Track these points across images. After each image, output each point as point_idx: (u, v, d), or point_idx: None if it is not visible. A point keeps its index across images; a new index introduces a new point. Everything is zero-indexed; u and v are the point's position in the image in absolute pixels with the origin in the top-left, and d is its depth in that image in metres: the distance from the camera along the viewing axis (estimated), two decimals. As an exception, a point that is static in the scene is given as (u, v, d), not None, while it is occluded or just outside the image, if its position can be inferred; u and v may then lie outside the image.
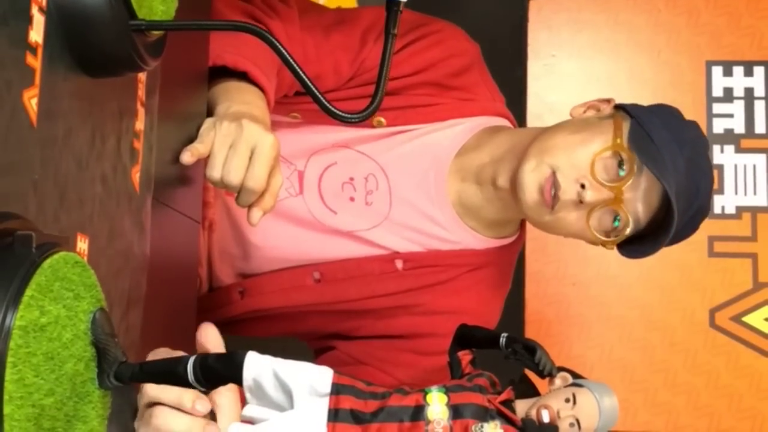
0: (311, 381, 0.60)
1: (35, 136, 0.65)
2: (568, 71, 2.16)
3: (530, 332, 2.13)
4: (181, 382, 0.62)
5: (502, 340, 0.73)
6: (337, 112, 0.67)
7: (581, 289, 2.12)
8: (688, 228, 1.25)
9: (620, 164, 1.20)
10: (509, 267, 1.43)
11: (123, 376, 0.63)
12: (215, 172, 1.03)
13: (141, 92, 0.86)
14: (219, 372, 0.60)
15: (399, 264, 1.34)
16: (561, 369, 0.78)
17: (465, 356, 0.76)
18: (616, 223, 1.21)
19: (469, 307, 1.37)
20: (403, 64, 1.34)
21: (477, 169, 1.32)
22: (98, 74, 0.74)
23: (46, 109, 0.67)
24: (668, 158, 1.19)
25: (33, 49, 0.65)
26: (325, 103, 0.66)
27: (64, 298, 0.59)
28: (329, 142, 1.34)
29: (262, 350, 1.80)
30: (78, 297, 0.61)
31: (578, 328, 2.15)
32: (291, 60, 0.69)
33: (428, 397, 0.72)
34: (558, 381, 0.79)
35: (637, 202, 1.20)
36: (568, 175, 1.21)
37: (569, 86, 2.16)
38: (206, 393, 0.81)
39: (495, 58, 1.57)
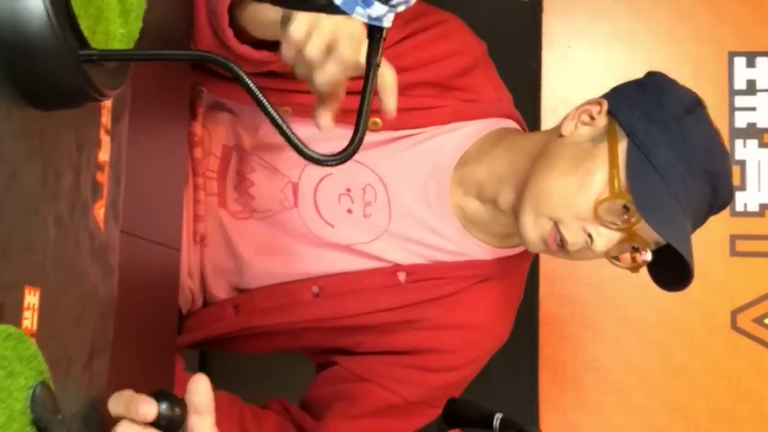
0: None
1: (-33, 188, 0.58)
2: (584, 62, 2.07)
3: (544, 335, 2.06)
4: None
5: (496, 422, 0.65)
6: (313, 155, 0.60)
7: (597, 290, 2.04)
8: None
9: (625, 205, 1.12)
10: (521, 277, 1.35)
11: (66, 459, 0.56)
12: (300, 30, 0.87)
13: (105, 119, 0.78)
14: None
15: (401, 277, 1.27)
16: None
17: None
18: (645, 257, 1.14)
19: (477, 321, 1.29)
20: (404, 57, 1.25)
21: (478, 186, 1.25)
22: (48, 107, 0.67)
23: (-19, 155, 0.60)
24: (675, 187, 1.11)
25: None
26: (300, 145, 0.59)
27: (-8, 380, 0.52)
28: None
29: (262, 364, 1.73)
30: (12, 374, 0.54)
31: (594, 330, 2.07)
32: (258, 94, 0.61)
33: None
34: None
35: (653, 231, 1.13)
36: (572, 227, 1.13)
37: (585, 78, 2.07)
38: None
39: (508, 50, 1.48)
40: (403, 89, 1.29)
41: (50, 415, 0.56)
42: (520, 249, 1.30)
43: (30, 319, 0.66)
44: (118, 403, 0.74)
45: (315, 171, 1.27)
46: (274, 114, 0.60)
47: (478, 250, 1.28)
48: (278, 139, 1.26)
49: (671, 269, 1.15)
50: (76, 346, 0.72)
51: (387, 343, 1.28)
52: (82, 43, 0.65)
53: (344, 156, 0.59)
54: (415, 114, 1.28)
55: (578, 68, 2.08)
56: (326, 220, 1.26)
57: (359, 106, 0.60)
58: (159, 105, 0.95)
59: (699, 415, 2.04)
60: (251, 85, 0.61)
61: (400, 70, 1.25)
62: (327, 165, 0.61)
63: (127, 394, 0.76)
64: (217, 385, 1.29)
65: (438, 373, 1.27)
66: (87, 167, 0.75)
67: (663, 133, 1.13)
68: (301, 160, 1.24)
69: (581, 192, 1.13)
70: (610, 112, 1.18)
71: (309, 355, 1.39)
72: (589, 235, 1.12)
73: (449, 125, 1.29)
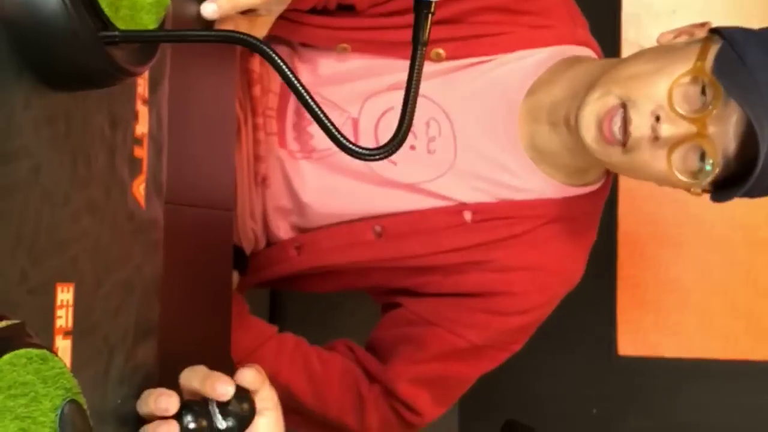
0: None
1: (-18, 194, 0.55)
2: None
3: (623, 254, 2.00)
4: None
5: None
6: (356, 149, 0.54)
7: (680, 208, 1.96)
8: None
9: (703, 92, 1.03)
10: (594, 218, 1.28)
11: (99, 480, 0.53)
12: None
13: (141, 89, 0.74)
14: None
15: (467, 216, 1.21)
16: None
17: None
18: (707, 167, 1.04)
19: (547, 263, 1.23)
20: None
21: (550, 108, 1.17)
22: (73, 90, 0.62)
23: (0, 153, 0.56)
24: (763, 81, 1.01)
25: (-25, 86, 0.54)
26: (340, 138, 0.54)
27: (12, 410, 0.49)
28: (385, 84, 1.20)
29: (329, 305, 1.71)
30: (35, 399, 0.51)
31: (676, 249, 2.00)
32: (292, 77, 0.56)
33: None
34: None
35: (726, 137, 1.03)
36: (641, 107, 1.04)
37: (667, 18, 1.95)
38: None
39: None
40: (467, 15, 1.21)
41: (80, 435, 0.53)
42: (592, 188, 1.23)
43: (64, 318, 0.63)
44: (191, 377, 0.73)
45: (376, 105, 1.21)
46: (311, 101, 0.55)
47: (547, 187, 1.21)
48: (338, 73, 1.23)
49: (728, 196, 1.07)
50: (117, 335, 0.70)
51: (453, 285, 1.23)
52: (104, 23, 0.59)
53: (388, 150, 0.54)
54: (481, 41, 1.20)
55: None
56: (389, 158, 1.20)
57: (405, 91, 0.54)
58: (203, 57, 0.89)
59: (785, 337, 1.98)
60: (285, 69, 0.55)
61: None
62: (370, 160, 0.56)
63: (201, 370, 0.74)
64: (284, 326, 1.29)
65: (506, 317, 1.23)
66: (123, 144, 0.70)
67: (762, 43, 1.04)
68: (361, 94, 1.21)
69: (660, 73, 1.05)
70: (711, 31, 1.09)
71: (374, 295, 1.36)
72: (657, 118, 1.04)
73: (517, 53, 1.21)
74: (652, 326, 1.99)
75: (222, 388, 0.73)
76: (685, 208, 1.96)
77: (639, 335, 1.99)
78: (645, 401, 1.98)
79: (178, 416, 0.71)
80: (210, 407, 0.74)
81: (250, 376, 0.78)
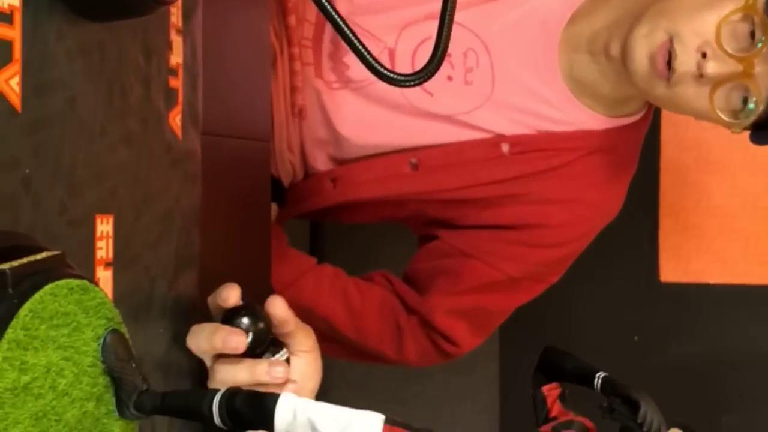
0: (355, 438, 0.49)
1: (20, 124, 0.55)
2: None
3: (666, 181, 1.97)
4: (206, 422, 0.52)
5: (597, 381, 0.58)
6: (391, 74, 0.53)
7: (724, 133, 1.91)
8: None
9: (752, 31, 1.00)
10: (634, 149, 1.26)
11: (144, 408, 0.54)
12: None
13: (175, 18, 0.73)
14: (247, 418, 0.51)
15: (505, 148, 1.20)
16: (676, 425, 0.57)
17: (552, 391, 0.61)
18: (751, 106, 1.02)
19: (585, 195, 1.22)
20: None
21: (590, 37, 1.15)
22: (106, 19, 0.62)
23: (35, 84, 0.56)
24: None
25: (6, 17, 0.53)
26: (375, 64, 0.53)
27: (55, 340, 0.50)
28: (422, 12, 1.18)
29: (369, 236, 1.71)
30: (77, 329, 0.52)
31: (720, 175, 1.96)
32: (327, 5, 0.55)
33: None
34: None
35: None
36: (688, 42, 1.02)
37: None
38: None
39: None
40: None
41: (122, 363, 0.54)
42: (632, 119, 1.21)
43: (104, 249, 0.63)
44: (198, 338, 0.72)
45: (413, 35, 1.19)
46: (346, 29, 0.54)
47: (586, 119, 1.19)
48: (374, 2, 1.21)
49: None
50: (158, 265, 0.70)
51: (490, 217, 1.22)
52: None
53: (423, 75, 0.53)
54: (519, -31, 1.18)
55: None
56: (425, 88, 1.19)
57: (441, 12, 0.53)
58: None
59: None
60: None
61: None
62: (405, 86, 0.55)
63: (209, 327, 0.73)
64: (323, 258, 1.29)
65: (543, 249, 1.22)
66: (158, 75, 0.70)
67: None
68: (398, 24, 1.19)
69: (709, 9, 1.03)
70: None
71: (412, 227, 1.35)
72: (704, 55, 1.02)
73: (558, -20, 1.18)
74: (695, 253, 1.96)
75: (235, 341, 0.72)
76: (728, 133, 1.92)
77: (682, 262, 1.97)
78: (687, 328, 1.97)
79: None
80: None
81: (280, 309, 0.77)
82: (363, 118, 1.21)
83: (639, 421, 0.53)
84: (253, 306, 0.73)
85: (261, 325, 0.72)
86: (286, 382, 0.75)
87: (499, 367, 1.90)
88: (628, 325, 1.98)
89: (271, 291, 0.95)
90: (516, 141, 1.19)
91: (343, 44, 1.18)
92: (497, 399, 1.90)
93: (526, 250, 1.21)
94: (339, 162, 1.26)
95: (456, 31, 1.16)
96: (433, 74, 0.53)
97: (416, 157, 1.21)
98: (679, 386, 1.91)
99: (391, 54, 1.19)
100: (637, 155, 1.26)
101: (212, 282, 0.76)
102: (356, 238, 1.67)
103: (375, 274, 1.29)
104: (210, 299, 0.76)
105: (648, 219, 1.97)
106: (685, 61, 1.02)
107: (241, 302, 0.73)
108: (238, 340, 0.70)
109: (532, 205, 1.21)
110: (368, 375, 1.79)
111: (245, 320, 0.71)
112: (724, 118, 1.04)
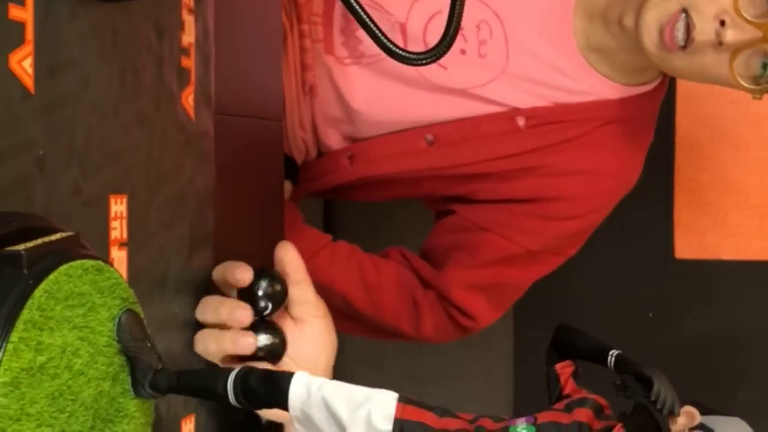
0: (368, 415, 0.49)
1: (33, 105, 0.55)
2: None
3: (681, 156, 1.96)
4: (221, 400, 0.53)
5: (611, 359, 0.58)
6: (402, 53, 0.53)
7: (739, 108, 1.91)
8: None
9: None
10: (651, 117, 1.25)
11: (159, 387, 0.55)
12: None
13: (186, -3, 0.73)
14: (262, 396, 0.51)
15: (521, 122, 1.19)
16: (688, 403, 0.57)
17: (565, 369, 0.61)
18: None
19: (602, 166, 1.22)
20: None
21: (605, 5, 1.14)
22: None
23: (48, 66, 0.56)
24: None
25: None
26: (386, 42, 0.52)
27: (70, 320, 0.50)
28: (432, -16, 1.18)
29: (383, 213, 1.71)
30: (92, 309, 0.52)
31: (735, 150, 1.95)
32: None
33: None
34: (682, 419, 0.57)
35: None
36: (704, 11, 1.01)
37: None
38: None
39: None
40: None
41: (138, 343, 0.54)
42: (648, 87, 1.20)
43: (118, 229, 0.63)
44: (200, 309, 0.73)
45: (424, 8, 1.18)
46: (356, 5, 0.53)
47: (603, 88, 1.19)
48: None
49: None
50: (172, 245, 0.70)
51: (507, 191, 1.22)
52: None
53: (435, 53, 0.53)
54: (534, -62, 1.17)
55: None
56: (438, 62, 1.18)
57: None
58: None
59: None
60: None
61: None
62: (417, 64, 0.55)
63: (215, 299, 0.74)
64: (338, 235, 1.29)
65: (561, 222, 1.22)
66: (170, 55, 0.70)
67: None
68: (409, -3, 1.18)
69: None
70: None
71: (427, 203, 1.35)
72: (722, 23, 1.01)
73: (572, -53, 1.17)
74: (710, 229, 1.96)
75: (240, 314, 0.73)
76: (744, 108, 1.91)
77: (697, 238, 1.96)
78: (702, 304, 1.96)
79: None
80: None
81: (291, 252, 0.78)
82: (376, 93, 1.21)
83: (652, 398, 0.53)
84: (269, 270, 0.74)
85: (278, 287, 0.74)
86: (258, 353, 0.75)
87: (513, 343, 1.90)
88: (643, 301, 1.98)
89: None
90: (532, 114, 1.18)
91: (355, 18, 1.19)
92: (511, 375, 1.90)
93: (543, 222, 1.21)
94: (354, 140, 1.26)
95: (468, 3, 1.14)
96: (445, 52, 0.53)
97: (432, 133, 1.21)
98: (694, 362, 1.91)
99: (403, 29, 1.19)
100: (653, 123, 1.25)
101: (228, 255, 0.76)
102: (370, 216, 1.67)
103: (391, 250, 1.29)
104: (216, 274, 0.76)
105: (663, 195, 1.96)
106: (704, 29, 1.02)
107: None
108: (244, 314, 0.72)
109: (549, 178, 1.20)
110: (381, 352, 1.79)
111: (263, 283, 0.73)
112: (745, 84, 1.04)
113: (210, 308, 0.73)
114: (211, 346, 0.74)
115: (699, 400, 0.56)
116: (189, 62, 0.73)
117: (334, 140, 1.27)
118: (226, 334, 0.74)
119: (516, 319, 1.85)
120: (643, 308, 1.98)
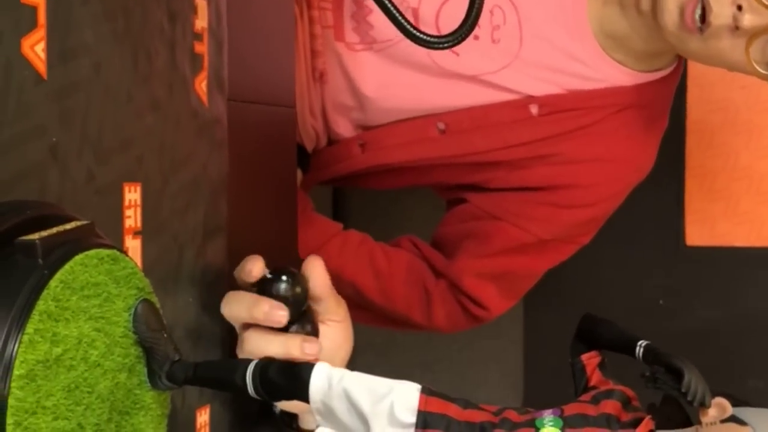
0: (391, 407, 0.48)
1: (45, 91, 0.54)
2: None
3: (692, 142, 1.94)
4: (239, 392, 0.52)
5: (639, 350, 0.56)
6: (422, 36, 0.52)
7: (751, 93, 1.89)
8: None
9: None
10: (665, 103, 1.24)
11: (176, 378, 0.54)
12: None
13: (199, -19, 0.71)
14: (282, 388, 0.50)
15: (534, 110, 1.18)
16: (718, 394, 0.55)
17: (591, 360, 0.59)
18: None
19: (616, 153, 1.20)
20: None
21: None
22: (131, -17, 0.61)
23: (60, 50, 0.55)
24: None
25: (31, -18, 0.52)
26: (406, 25, 0.51)
27: (86, 311, 0.49)
28: (446, -31, 1.16)
29: (394, 201, 1.70)
30: (108, 299, 0.51)
31: (747, 136, 1.93)
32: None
33: None
34: (713, 411, 0.55)
35: None
36: None
37: None
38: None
39: None
40: None
41: (154, 333, 0.53)
42: (663, 73, 1.19)
43: (132, 217, 0.62)
44: (238, 307, 0.70)
45: (437, -7, 1.17)
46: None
47: (617, 74, 1.17)
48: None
49: None
50: (186, 233, 0.69)
51: (519, 179, 1.21)
52: None
53: (457, 37, 0.51)
54: None
55: None
56: (451, 48, 1.17)
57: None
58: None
59: None
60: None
61: None
62: (438, 48, 0.53)
63: (248, 299, 0.71)
64: (348, 224, 1.28)
65: (573, 210, 1.20)
66: (183, 40, 0.69)
67: None
68: (421, -17, 1.16)
69: None
70: None
71: (439, 191, 1.34)
72: (739, 7, 0.99)
73: (587, -69, 1.15)
74: (721, 215, 1.94)
75: (278, 316, 0.68)
76: (756, 93, 1.89)
77: (708, 225, 1.95)
78: (713, 291, 1.95)
79: None
80: None
81: (319, 269, 0.75)
82: (387, 80, 1.19)
83: (683, 390, 0.51)
84: (290, 271, 0.71)
85: (299, 290, 0.70)
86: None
87: (523, 330, 1.89)
88: (654, 288, 1.96)
89: (298, 257, 0.94)
90: (545, 102, 1.17)
91: (366, 4, 1.17)
92: (521, 362, 1.89)
93: (556, 211, 1.20)
94: (364, 128, 1.25)
95: (481, -10, 1.14)
96: (467, 36, 0.51)
97: (443, 121, 1.19)
98: (705, 350, 1.89)
99: (415, 14, 1.17)
100: (668, 109, 1.24)
101: (239, 249, 0.75)
102: (381, 205, 1.66)
103: (402, 239, 1.28)
104: (236, 273, 0.74)
105: (674, 182, 1.95)
106: (721, 13, 1.00)
107: (266, 271, 0.71)
108: (281, 314, 0.68)
109: (562, 166, 1.19)
110: (391, 339, 1.79)
111: (283, 286, 0.69)
112: (761, 70, 1.02)
113: (243, 306, 0.69)
114: (272, 347, 0.70)
115: (729, 391, 0.55)
116: (202, 47, 0.72)
117: (344, 128, 1.25)
118: (282, 338, 0.70)
119: (526, 306, 1.84)
120: (654, 296, 1.97)
